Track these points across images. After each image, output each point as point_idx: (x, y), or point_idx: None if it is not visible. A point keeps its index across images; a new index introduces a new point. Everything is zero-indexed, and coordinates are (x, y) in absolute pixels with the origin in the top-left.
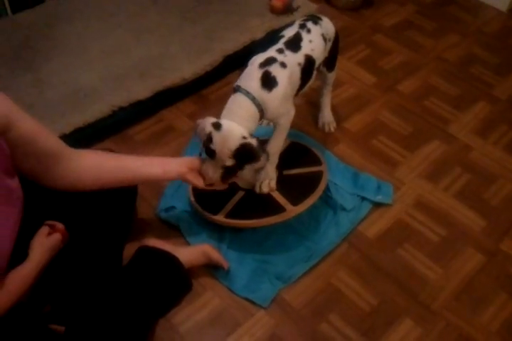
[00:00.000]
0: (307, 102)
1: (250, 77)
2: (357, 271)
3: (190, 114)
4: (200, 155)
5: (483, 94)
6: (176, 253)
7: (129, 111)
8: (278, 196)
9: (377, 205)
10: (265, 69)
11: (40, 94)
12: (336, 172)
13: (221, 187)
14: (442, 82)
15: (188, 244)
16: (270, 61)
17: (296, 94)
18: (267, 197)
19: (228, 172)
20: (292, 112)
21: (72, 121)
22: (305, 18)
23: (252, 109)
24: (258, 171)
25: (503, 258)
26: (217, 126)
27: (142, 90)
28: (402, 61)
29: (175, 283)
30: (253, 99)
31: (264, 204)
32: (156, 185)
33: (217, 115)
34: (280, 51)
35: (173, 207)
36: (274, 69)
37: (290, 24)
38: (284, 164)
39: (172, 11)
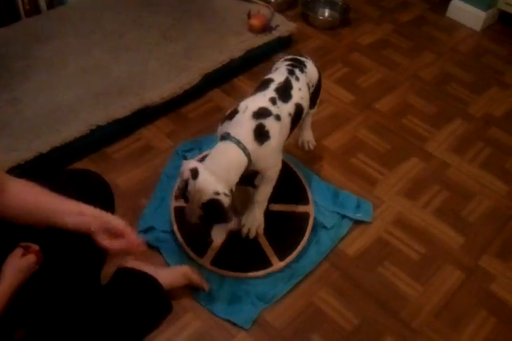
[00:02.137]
0: None
1: (242, 126)
2: (338, 290)
3: (168, 132)
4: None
5: (459, 111)
6: (156, 274)
7: (107, 130)
8: (265, 244)
9: (357, 223)
10: (260, 122)
11: (17, 112)
12: (316, 191)
13: None
14: (419, 100)
15: (168, 265)
16: (265, 113)
17: None
18: (254, 243)
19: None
20: (280, 165)
21: (49, 140)
22: (290, 62)
23: (242, 159)
24: (247, 206)
25: (481, 274)
26: (194, 175)
27: (120, 109)
28: (379, 79)
29: (154, 305)
30: (244, 149)
31: (250, 253)
32: (135, 205)
33: (196, 134)
34: (273, 101)
35: (152, 228)
36: (269, 123)
37: (277, 64)
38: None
39: (151, 29)
